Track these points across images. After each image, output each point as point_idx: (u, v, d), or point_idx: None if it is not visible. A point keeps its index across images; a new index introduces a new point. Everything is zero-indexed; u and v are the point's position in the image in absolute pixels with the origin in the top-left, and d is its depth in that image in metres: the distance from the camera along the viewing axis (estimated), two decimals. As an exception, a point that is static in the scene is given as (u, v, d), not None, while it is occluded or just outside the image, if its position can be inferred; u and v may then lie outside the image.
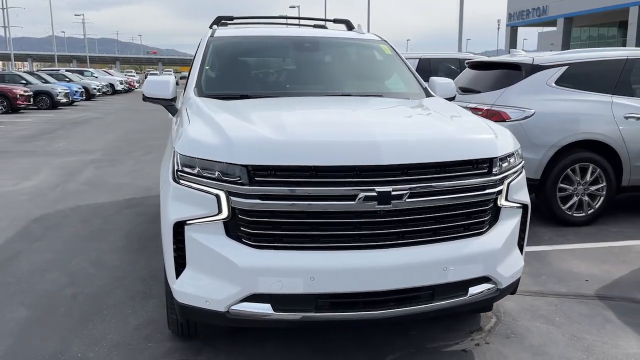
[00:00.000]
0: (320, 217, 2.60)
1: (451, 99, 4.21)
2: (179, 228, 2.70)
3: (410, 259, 2.67)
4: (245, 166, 2.58)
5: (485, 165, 2.83)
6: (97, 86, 32.35)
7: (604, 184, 5.67)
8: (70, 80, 29.73)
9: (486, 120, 3.26)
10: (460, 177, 2.75)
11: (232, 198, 2.59)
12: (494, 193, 2.85)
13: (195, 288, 2.72)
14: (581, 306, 3.80)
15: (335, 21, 5.15)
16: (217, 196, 2.61)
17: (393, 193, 2.59)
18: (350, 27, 5.05)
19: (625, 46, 37.22)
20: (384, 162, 2.60)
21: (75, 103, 26.63)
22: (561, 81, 5.66)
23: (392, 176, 2.61)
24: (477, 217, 2.85)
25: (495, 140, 2.93)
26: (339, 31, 4.73)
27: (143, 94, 3.94)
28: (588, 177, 5.64)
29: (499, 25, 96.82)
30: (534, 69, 5.71)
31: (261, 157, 2.59)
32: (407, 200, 2.63)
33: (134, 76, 57.65)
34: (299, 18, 5.23)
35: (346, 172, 2.58)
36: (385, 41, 4.60)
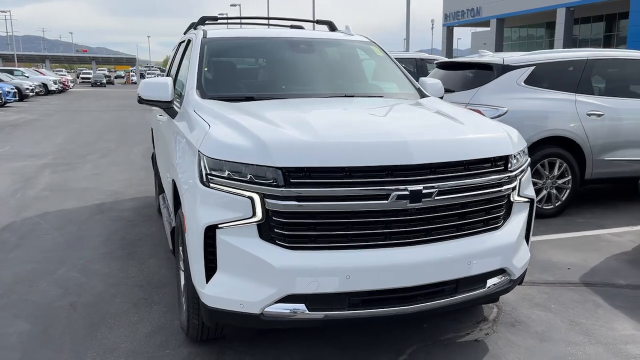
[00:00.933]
0: (355, 216, 2.65)
1: (440, 98, 4.35)
2: (210, 232, 2.68)
3: (439, 254, 2.78)
4: (281, 168, 2.59)
5: (501, 162, 2.97)
6: (30, 86, 30.75)
7: (570, 177, 6.01)
8: (0, 80, 28.15)
9: (493, 120, 3.41)
10: (482, 175, 2.88)
11: (268, 200, 2.60)
12: (509, 189, 3.00)
13: (228, 291, 2.71)
14: (571, 293, 4.04)
15: (318, 22, 5.20)
16: (251, 199, 2.62)
17: (424, 191, 2.68)
18: (332, 27, 5.11)
19: (553, 46, 39.31)
20: (415, 162, 2.68)
21: (8, 104, 25.21)
22: (530, 80, 5.96)
23: (422, 175, 2.70)
24: (495, 212, 2.99)
25: (508, 138, 3.08)
26: (331, 32, 4.78)
27: (139, 96, 3.85)
28: (556, 172, 5.97)
29: (432, 25, 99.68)
30: (505, 69, 5.99)
31: (296, 159, 2.61)
32: (436, 197, 2.72)
33: (65, 75, 55.24)
34: (281, 19, 5.24)
35: (379, 172, 2.65)
36: (375, 42, 4.70)
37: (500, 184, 2.96)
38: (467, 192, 2.83)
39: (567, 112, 5.94)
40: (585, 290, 4.11)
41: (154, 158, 6.40)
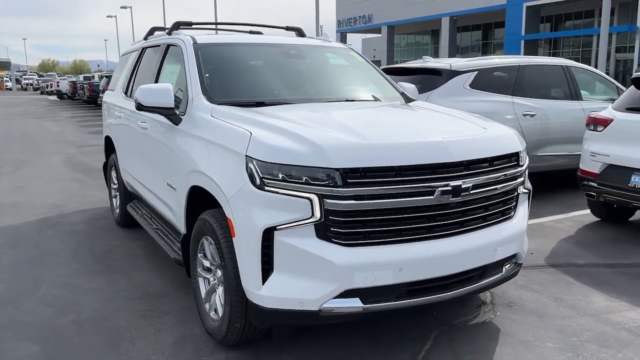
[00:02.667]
0: (404, 212, 2.84)
1: (417, 101, 4.65)
2: (267, 234, 2.74)
3: (473, 243, 3.04)
4: (339, 169, 2.71)
5: (514, 157, 3.31)
6: None
7: (510, 172, 6.62)
8: None
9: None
10: (502, 169, 3.19)
11: (327, 200, 2.70)
12: (521, 182, 3.35)
13: (287, 291, 2.78)
14: (544, 274, 4.51)
15: (288, 28, 5.28)
16: (310, 199, 2.71)
17: (463, 186, 2.93)
18: (301, 34, 5.24)
19: (438, 52, 41.92)
20: (454, 159, 2.93)
21: None
22: (474, 84, 6.50)
23: (459, 171, 2.96)
24: (510, 203, 3.32)
25: (516, 136, 3.43)
26: (316, 39, 4.90)
27: (139, 103, 3.73)
28: (499, 167, 6.54)
29: (321, 31, 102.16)
30: (453, 74, 6.47)
31: (352, 160, 2.74)
32: (471, 192, 2.99)
33: None
34: (254, 25, 5.27)
35: (425, 170, 2.86)
36: (352, 49, 4.91)
37: (515, 177, 3.29)
38: (493, 186, 3.13)
39: (507, 112, 6.54)
40: (554, 271, 4.60)
41: (110, 168, 6.13)
